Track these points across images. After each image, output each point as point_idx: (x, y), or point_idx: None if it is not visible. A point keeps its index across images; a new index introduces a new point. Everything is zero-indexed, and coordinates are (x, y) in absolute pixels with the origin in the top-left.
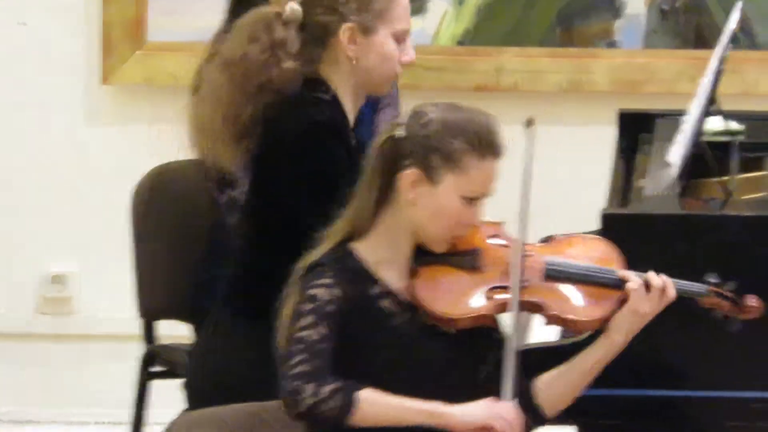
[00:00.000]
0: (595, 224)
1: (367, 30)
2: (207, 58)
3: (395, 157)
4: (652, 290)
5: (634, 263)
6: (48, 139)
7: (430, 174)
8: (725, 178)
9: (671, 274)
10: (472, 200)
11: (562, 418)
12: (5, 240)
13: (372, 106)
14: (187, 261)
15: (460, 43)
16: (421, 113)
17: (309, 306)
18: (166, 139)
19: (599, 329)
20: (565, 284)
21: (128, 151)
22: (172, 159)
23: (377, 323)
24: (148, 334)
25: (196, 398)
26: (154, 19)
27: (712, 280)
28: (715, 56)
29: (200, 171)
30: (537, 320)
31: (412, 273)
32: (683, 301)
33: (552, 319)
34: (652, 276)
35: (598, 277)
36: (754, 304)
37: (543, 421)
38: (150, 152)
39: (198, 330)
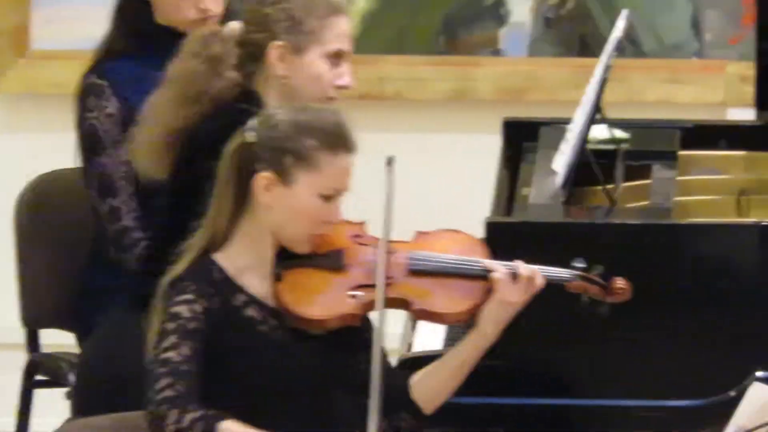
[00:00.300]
0: (480, 232)
1: (297, 49)
2: (90, 70)
3: (247, 163)
4: (519, 279)
5: None
6: None
7: (283, 176)
8: (610, 186)
9: (557, 283)
10: (329, 197)
11: (442, 426)
12: None
13: None
14: (71, 269)
15: None
16: (269, 116)
17: (172, 325)
18: (51, 147)
19: (470, 322)
20: (430, 278)
21: (12, 158)
22: (57, 167)
23: (245, 332)
24: (32, 343)
25: (84, 408)
26: (37, 28)
27: (579, 265)
28: (600, 64)
29: (79, 180)
30: (418, 325)
31: (276, 278)
32: (556, 300)
33: (419, 314)
34: (518, 265)
35: (462, 268)
36: (621, 286)
37: (422, 416)
38: (34, 160)
39: (82, 338)
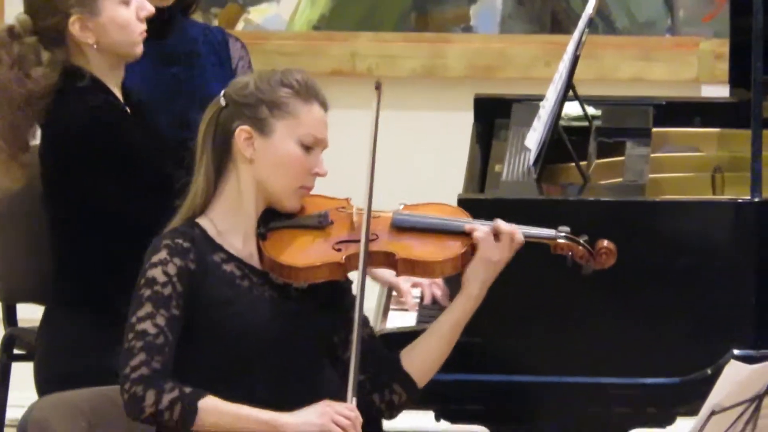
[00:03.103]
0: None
1: (92, 11)
2: None
3: (224, 125)
4: (501, 237)
5: None
6: None
7: (260, 126)
8: (583, 163)
9: (529, 261)
10: (308, 148)
11: (419, 402)
12: None
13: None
14: (46, 246)
15: (316, 28)
16: (238, 82)
17: (147, 292)
18: None
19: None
20: (413, 233)
21: None
22: None
23: (224, 283)
24: (10, 317)
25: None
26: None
27: (563, 229)
28: (572, 41)
29: None
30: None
31: (261, 237)
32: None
33: (403, 266)
34: (499, 223)
35: (444, 225)
36: (607, 246)
37: (414, 389)
38: None
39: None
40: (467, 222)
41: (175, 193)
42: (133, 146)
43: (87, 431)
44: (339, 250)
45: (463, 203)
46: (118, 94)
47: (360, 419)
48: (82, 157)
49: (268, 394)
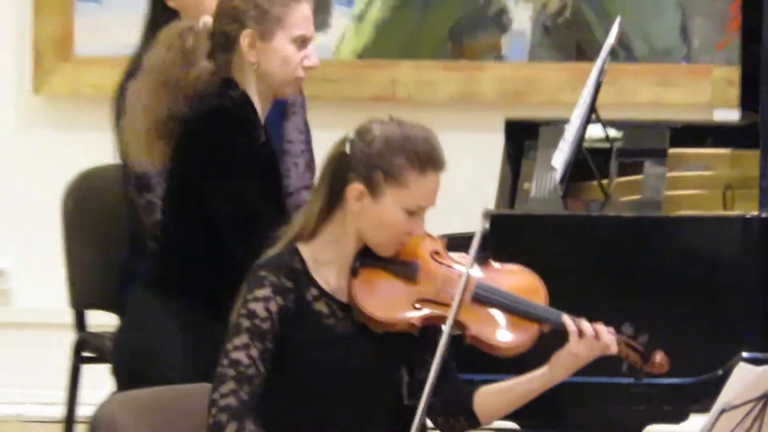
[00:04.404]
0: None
1: (265, 35)
2: (126, 75)
3: (342, 171)
4: (584, 336)
5: (520, 261)
6: None
7: (373, 189)
8: (605, 181)
9: (555, 271)
10: (413, 212)
11: None
12: None
13: (280, 115)
14: (112, 256)
15: (360, 56)
16: (366, 130)
17: (247, 323)
18: (92, 144)
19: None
20: (491, 309)
21: (57, 155)
22: (98, 163)
23: (311, 325)
24: (79, 323)
25: (122, 380)
26: (80, 35)
27: (626, 330)
28: (595, 68)
29: (120, 175)
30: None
31: (353, 272)
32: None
33: (472, 340)
34: (582, 322)
35: (522, 309)
36: (660, 361)
37: (478, 426)
38: (77, 156)
39: (121, 318)
40: (548, 311)
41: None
42: (240, 160)
43: (151, 428)
44: (419, 309)
45: (495, 218)
46: (262, 120)
47: None
48: (223, 158)
49: (343, 421)
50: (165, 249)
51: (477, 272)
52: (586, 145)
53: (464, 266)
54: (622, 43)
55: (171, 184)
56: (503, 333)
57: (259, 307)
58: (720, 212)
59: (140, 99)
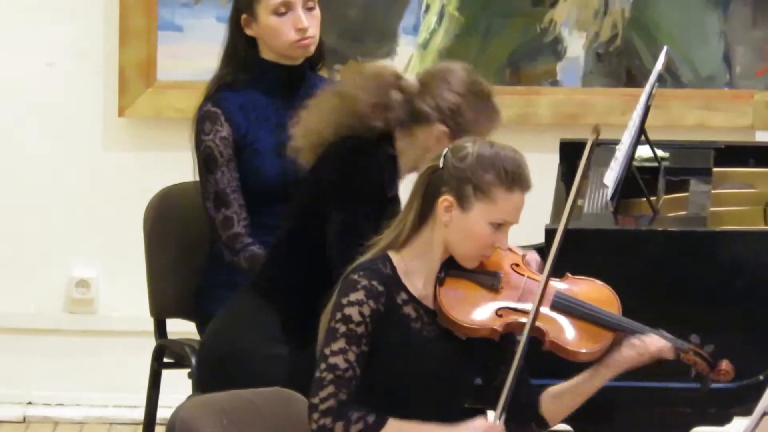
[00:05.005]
0: (541, 238)
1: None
2: (205, 98)
3: (435, 184)
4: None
5: (574, 272)
6: (73, 164)
7: (462, 202)
8: (653, 198)
9: (608, 283)
10: (499, 226)
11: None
12: (37, 249)
13: None
14: (192, 268)
15: None
16: (460, 147)
17: (342, 328)
18: (173, 163)
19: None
20: (568, 317)
21: (140, 173)
22: (179, 180)
23: (400, 328)
24: (160, 331)
25: (204, 382)
26: (162, 62)
27: (694, 340)
28: (644, 93)
29: (198, 193)
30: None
31: (439, 282)
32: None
33: (550, 345)
34: (646, 331)
35: (598, 318)
36: (726, 369)
37: (546, 426)
38: (159, 174)
39: (201, 325)
40: (620, 320)
41: None
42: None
43: (226, 430)
44: (500, 316)
45: (550, 233)
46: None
47: None
48: (356, 194)
49: (424, 420)
50: (276, 259)
51: (555, 283)
52: (635, 164)
53: (542, 277)
54: (669, 70)
55: (301, 196)
56: (581, 339)
57: (353, 312)
58: (761, 227)
59: (320, 105)
